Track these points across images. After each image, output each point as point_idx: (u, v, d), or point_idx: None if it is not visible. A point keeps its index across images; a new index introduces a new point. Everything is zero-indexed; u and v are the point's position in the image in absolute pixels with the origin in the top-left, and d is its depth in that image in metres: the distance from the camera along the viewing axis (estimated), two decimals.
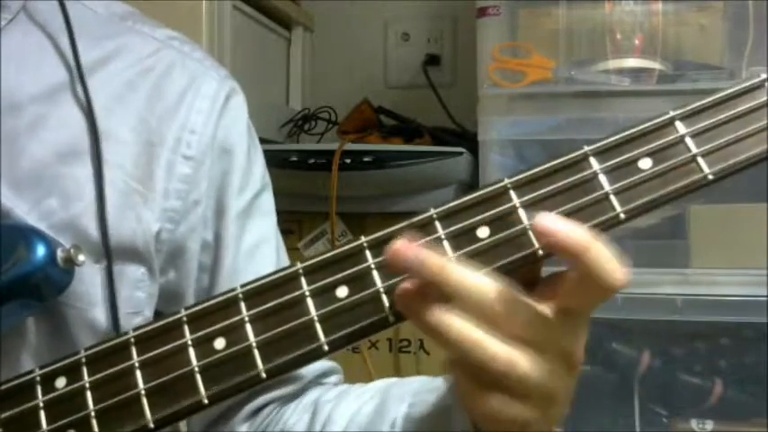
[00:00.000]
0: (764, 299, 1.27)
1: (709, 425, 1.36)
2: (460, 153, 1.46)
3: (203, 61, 0.79)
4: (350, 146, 1.50)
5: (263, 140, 1.71)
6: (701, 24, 1.40)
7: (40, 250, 0.61)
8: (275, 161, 1.55)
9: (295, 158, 1.51)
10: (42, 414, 0.53)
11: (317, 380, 0.79)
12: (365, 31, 1.91)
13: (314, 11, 1.91)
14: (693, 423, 1.37)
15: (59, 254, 0.62)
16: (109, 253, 0.66)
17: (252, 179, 0.79)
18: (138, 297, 0.71)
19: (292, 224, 1.54)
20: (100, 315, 0.67)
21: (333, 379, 0.80)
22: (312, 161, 1.51)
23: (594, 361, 1.42)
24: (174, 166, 0.73)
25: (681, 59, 1.38)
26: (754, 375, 1.35)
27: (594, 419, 1.41)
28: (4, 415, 0.53)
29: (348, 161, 1.47)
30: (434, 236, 0.50)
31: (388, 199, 1.48)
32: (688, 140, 0.49)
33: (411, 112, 1.72)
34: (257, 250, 0.78)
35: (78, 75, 0.69)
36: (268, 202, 0.81)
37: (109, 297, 0.67)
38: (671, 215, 1.42)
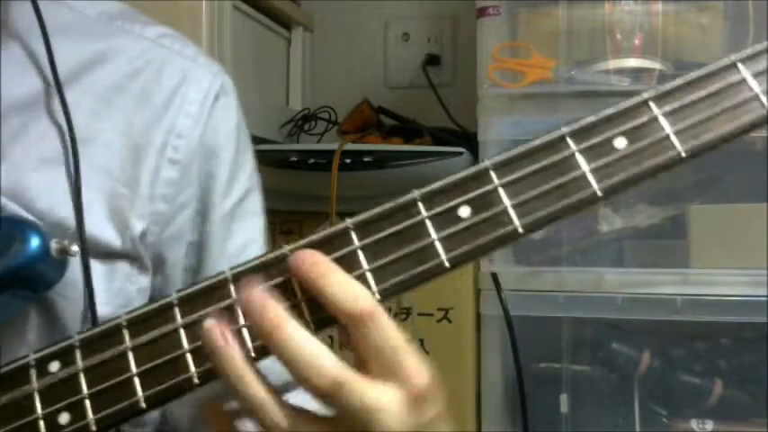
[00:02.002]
0: (764, 299, 1.27)
1: (709, 425, 1.36)
2: (460, 153, 1.46)
3: (195, 59, 0.78)
4: (350, 146, 1.50)
5: (263, 140, 1.71)
6: (701, 24, 1.40)
7: (35, 241, 0.61)
8: (275, 161, 1.55)
9: (295, 158, 1.51)
10: (37, 398, 0.53)
11: (285, 389, 0.79)
12: (365, 31, 1.91)
13: (314, 11, 1.91)
14: (693, 423, 1.37)
15: (53, 245, 0.62)
16: (84, 248, 0.66)
17: (238, 181, 0.79)
18: (129, 290, 0.71)
19: (292, 224, 1.54)
20: (87, 305, 0.68)
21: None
22: (312, 161, 1.51)
23: (594, 361, 1.42)
24: (160, 169, 0.73)
25: (681, 59, 1.38)
26: (754, 375, 1.35)
27: (594, 419, 1.41)
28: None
29: (348, 161, 1.47)
30: (418, 216, 0.52)
31: (388, 199, 1.48)
32: (661, 119, 0.51)
33: (411, 112, 1.72)
34: (242, 254, 0.77)
35: (56, 85, 0.68)
36: (255, 203, 0.81)
37: (85, 292, 0.67)
38: (671, 215, 1.42)
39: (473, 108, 1.44)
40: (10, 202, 0.65)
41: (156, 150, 0.73)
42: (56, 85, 0.68)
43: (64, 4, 0.74)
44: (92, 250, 0.67)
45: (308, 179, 1.50)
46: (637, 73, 1.36)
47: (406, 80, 1.87)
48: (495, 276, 1.40)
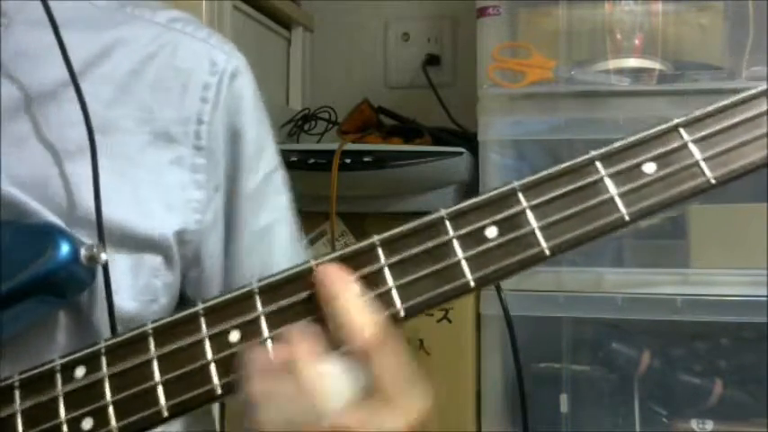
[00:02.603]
0: (764, 299, 1.27)
1: (709, 425, 1.36)
2: (460, 153, 1.46)
3: (208, 39, 0.78)
4: (350, 146, 1.50)
5: None
6: (701, 24, 1.40)
7: (64, 248, 0.62)
8: None
9: (295, 158, 1.51)
10: (61, 403, 0.54)
11: None
12: (365, 31, 1.91)
13: (314, 11, 1.91)
14: (693, 423, 1.37)
15: (83, 252, 0.62)
16: (103, 241, 0.66)
17: (263, 159, 0.79)
18: (155, 285, 0.71)
19: None
20: (120, 301, 0.68)
21: None
22: (312, 161, 1.51)
23: (594, 361, 1.42)
24: (186, 158, 0.73)
25: (681, 59, 1.38)
26: (754, 375, 1.35)
27: (594, 419, 1.41)
28: (24, 404, 0.54)
29: (348, 161, 1.47)
30: (445, 237, 0.52)
31: (388, 199, 1.48)
32: (691, 146, 0.51)
33: (411, 112, 1.72)
34: (269, 231, 0.78)
35: (71, 77, 0.68)
36: (280, 181, 0.81)
37: (105, 284, 0.67)
38: (671, 215, 1.42)
39: (473, 108, 1.44)
40: (31, 199, 0.65)
41: (180, 138, 0.73)
42: (71, 77, 0.68)
43: None
44: (117, 241, 0.67)
45: (308, 179, 1.49)
46: (637, 73, 1.36)
47: (406, 80, 1.87)
48: None
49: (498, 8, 1.44)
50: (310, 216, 1.53)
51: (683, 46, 1.40)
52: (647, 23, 1.39)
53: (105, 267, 0.65)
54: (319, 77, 1.91)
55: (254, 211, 0.77)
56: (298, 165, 1.51)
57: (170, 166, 0.72)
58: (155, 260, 0.71)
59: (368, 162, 1.48)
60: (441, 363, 1.40)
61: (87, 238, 0.64)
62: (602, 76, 1.37)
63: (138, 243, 0.69)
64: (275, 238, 0.79)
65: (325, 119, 1.79)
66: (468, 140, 1.51)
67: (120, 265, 0.68)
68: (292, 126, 1.76)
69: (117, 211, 0.67)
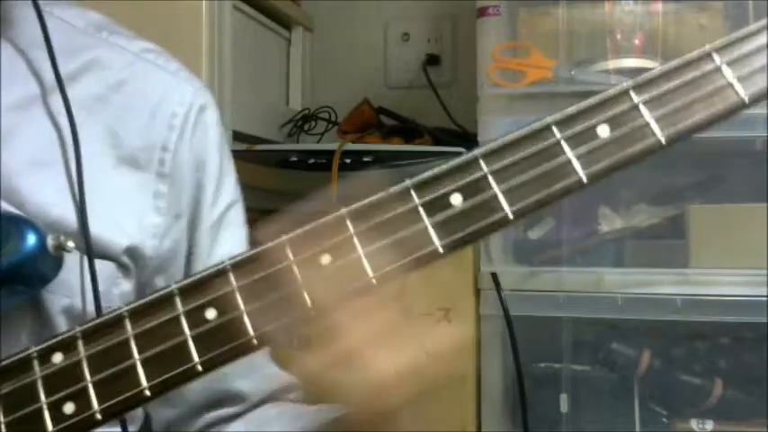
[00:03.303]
0: (764, 299, 1.27)
1: (710, 425, 1.36)
2: (460, 153, 1.45)
3: (177, 73, 0.79)
4: (350, 146, 1.50)
5: (263, 140, 1.71)
6: (701, 24, 1.40)
7: (31, 238, 0.62)
8: (275, 161, 1.55)
9: (295, 158, 1.51)
10: (40, 387, 0.53)
11: (269, 398, 0.80)
12: (365, 31, 1.91)
13: (314, 11, 1.91)
14: (693, 423, 1.37)
15: (50, 241, 0.63)
16: (89, 246, 0.67)
17: (224, 191, 0.80)
18: (112, 293, 0.72)
19: None
20: (78, 304, 0.69)
21: (291, 396, 0.81)
22: (312, 161, 1.51)
23: (594, 361, 1.42)
24: (150, 184, 0.74)
25: None
26: (754, 375, 1.35)
27: (594, 419, 1.41)
28: (2, 390, 0.54)
29: (348, 161, 1.47)
30: (411, 204, 0.54)
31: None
32: (642, 108, 0.54)
33: (411, 112, 1.72)
34: None
35: (59, 86, 0.69)
36: (239, 214, 0.82)
37: (92, 289, 0.68)
38: (671, 215, 1.43)
39: (473, 108, 1.44)
40: (4, 203, 0.66)
41: (144, 164, 0.74)
42: (58, 84, 0.69)
43: (52, 14, 0.74)
44: (81, 249, 0.68)
45: (308, 179, 1.50)
46: (637, 73, 1.35)
47: (406, 80, 1.87)
48: (495, 276, 1.40)
49: (498, 8, 1.44)
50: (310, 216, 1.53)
51: (683, 46, 1.39)
52: (647, 23, 1.39)
53: (93, 272, 0.67)
54: (319, 77, 1.91)
55: (214, 241, 0.78)
56: (298, 165, 1.51)
57: (132, 189, 0.73)
58: (112, 269, 0.72)
59: (368, 162, 1.48)
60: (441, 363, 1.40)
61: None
62: (602, 76, 1.37)
63: (98, 254, 0.70)
64: None
65: (326, 119, 1.78)
66: (468, 140, 1.51)
67: (81, 269, 0.69)
68: (292, 126, 1.76)
69: (76, 217, 0.68)
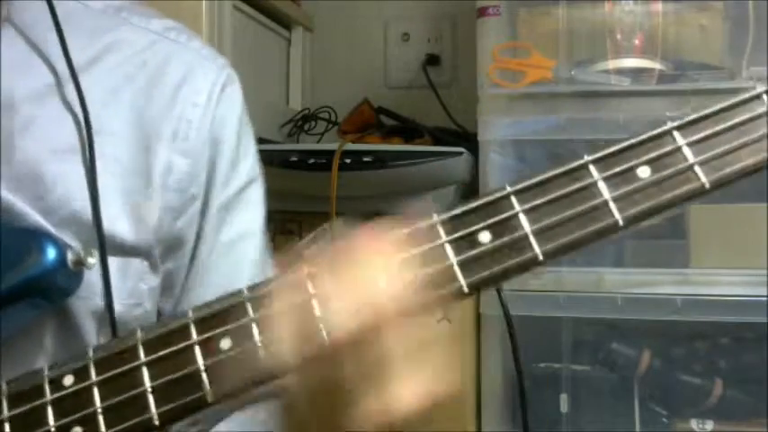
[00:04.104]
0: (764, 299, 1.27)
1: (709, 425, 1.36)
2: (460, 153, 1.46)
3: (200, 50, 0.78)
4: (350, 146, 1.50)
5: (263, 140, 1.70)
6: (701, 24, 1.40)
7: (51, 253, 0.61)
8: (275, 161, 1.55)
9: (295, 158, 1.51)
10: (50, 411, 0.53)
11: None
12: (365, 31, 1.91)
13: (314, 11, 1.91)
14: (693, 423, 1.37)
15: (69, 256, 0.62)
16: (102, 244, 0.66)
17: (238, 172, 0.78)
18: (141, 289, 0.71)
19: (292, 224, 1.54)
20: (100, 303, 0.67)
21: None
22: (312, 161, 1.51)
23: (594, 361, 1.42)
24: (172, 160, 0.73)
25: (681, 59, 1.38)
26: (754, 375, 1.35)
27: (594, 419, 1.41)
28: (11, 412, 0.54)
29: (348, 161, 1.47)
30: (438, 241, 0.51)
31: (388, 199, 1.48)
32: (685, 150, 0.51)
33: (411, 112, 1.72)
34: (236, 246, 0.77)
35: (71, 74, 0.68)
36: (255, 195, 0.80)
37: (104, 287, 0.67)
38: (671, 215, 1.43)
39: (473, 108, 1.44)
40: (18, 200, 0.65)
41: (168, 141, 0.73)
42: (71, 74, 0.68)
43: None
44: (107, 245, 0.67)
45: (308, 179, 1.49)
46: (637, 73, 1.36)
47: (406, 80, 1.87)
48: None
49: (498, 8, 1.44)
50: (310, 216, 1.53)
51: (683, 46, 1.40)
52: (647, 23, 1.39)
53: (106, 274, 0.65)
54: (319, 77, 1.91)
55: (220, 224, 0.77)
56: (298, 165, 1.51)
57: (157, 170, 0.72)
58: (141, 265, 0.71)
59: (368, 162, 1.48)
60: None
61: (75, 239, 0.64)
62: (602, 76, 1.37)
63: (125, 248, 0.69)
64: (240, 256, 0.78)
65: (326, 119, 1.79)
66: (468, 140, 1.51)
67: (109, 267, 0.68)
68: (292, 126, 1.76)
69: (106, 214, 0.67)
